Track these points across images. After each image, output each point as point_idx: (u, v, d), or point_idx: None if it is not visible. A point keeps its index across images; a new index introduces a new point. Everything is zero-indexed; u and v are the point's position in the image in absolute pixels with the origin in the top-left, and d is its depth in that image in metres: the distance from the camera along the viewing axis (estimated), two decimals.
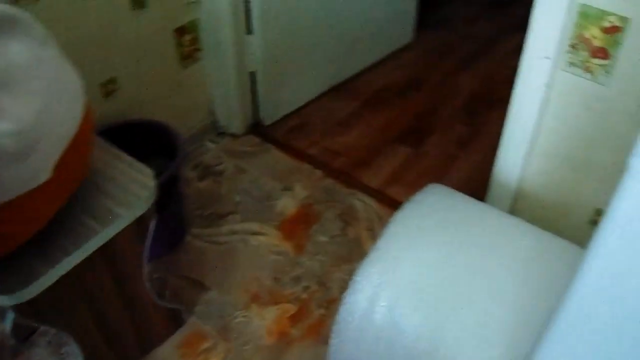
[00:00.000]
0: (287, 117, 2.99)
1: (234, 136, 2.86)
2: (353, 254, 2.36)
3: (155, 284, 2.24)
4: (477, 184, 2.64)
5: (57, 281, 1.58)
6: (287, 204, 2.55)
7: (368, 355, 1.67)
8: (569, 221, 1.92)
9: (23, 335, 2.15)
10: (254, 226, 2.46)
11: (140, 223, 1.74)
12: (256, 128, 2.90)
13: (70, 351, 2.12)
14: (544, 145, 1.83)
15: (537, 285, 1.53)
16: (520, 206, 2.02)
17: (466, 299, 1.52)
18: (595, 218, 1.85)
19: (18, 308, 1.57)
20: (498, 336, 1.46)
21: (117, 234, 1.68)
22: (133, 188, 1.71)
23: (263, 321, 2.15)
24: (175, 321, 2.13)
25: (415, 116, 3.07)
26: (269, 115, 2.91)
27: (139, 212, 1.70)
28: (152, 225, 1.81)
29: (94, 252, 1.64)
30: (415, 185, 2.63)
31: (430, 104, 3.15)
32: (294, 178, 2.67)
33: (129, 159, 1.79)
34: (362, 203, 2.58)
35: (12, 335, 2.13)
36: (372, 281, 1.62)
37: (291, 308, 2.19)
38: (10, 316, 2.08)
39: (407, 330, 1.54)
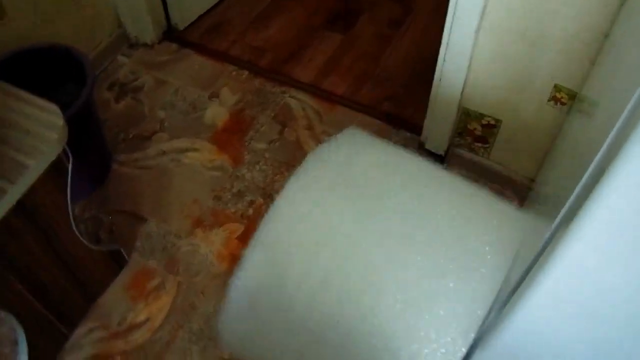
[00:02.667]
0: (202, 17, 2.68)
1: (148, 46, 2.54)
2: (295, 157, 2.15)
3: (88, 226, 2.00)
4: (416, 65, 2.44)
5: None
6: (217, 113, 2.29)
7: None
8: (526, 101, 1.74)
9: None
10: (184, 142, 2.21)
11: (55, 169, 1.49)
12: (171, 34, 2.59)
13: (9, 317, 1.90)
14: (495, 19, 1.61)
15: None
16: (472, 88, 1.82)
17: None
18: (555, 95, 1.67)
19: None
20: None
21: (31, 188, 1.43)
22: (39, 131, 1.44)
23: (211, 246, 1.95)
24: (116, 263, 1.91)
25: None
26: (182, 17, 2.59)
27: (50, 158, 1.44)
28: (70, 166, 1.55)
29: (9, 214, 1.40)
30: (350, 73, 2.43)
31: None
32: (220, 83, 2.40)
33: (29, 96, 1.51)
34: (297, 100, 2.34)
35: None
36: (269, 253, 1.38)
37: (238, 227, 1.99)
38: None
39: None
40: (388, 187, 1.38)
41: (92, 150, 2.04)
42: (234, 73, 2.44)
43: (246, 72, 2.44)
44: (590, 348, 0.96)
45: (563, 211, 0.91)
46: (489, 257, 1.25)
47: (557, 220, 0.93)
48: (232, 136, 2.22)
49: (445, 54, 1.77)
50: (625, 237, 0.77)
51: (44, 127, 1.44)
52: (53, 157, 1.45)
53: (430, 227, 1.30)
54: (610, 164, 0.72)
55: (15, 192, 1.38)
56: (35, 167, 1.40)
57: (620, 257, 0.80)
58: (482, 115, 1.87)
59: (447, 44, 1.73)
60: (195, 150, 2.19)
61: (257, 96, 2.35)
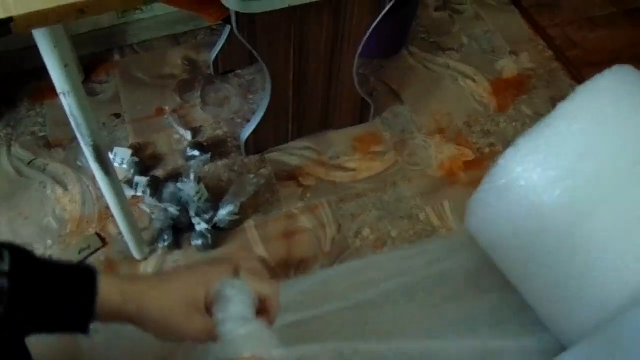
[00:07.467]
0: None
1: None
2: None
3: (357, 78, 2.07)
4: None
5: (282, 13, 1.46)
6: (508, 66, 2.26)
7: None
8: None
9: (221, 69, 2.09)
10: (469, 70, 2.21)
11: None
12: None
13: (256, 100, 2.03)
14: None
15: None
16: None
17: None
18: None
19: (239, 20, 1.47)
20: None
21: None
22: None
23: (439, 153, 1.96)
24: (361, 114, 1.98)
25: None
26: None
27: None
28: (387, 7, 1.61)
29: (324, 3, 1.49)
30: None
31: None
32: (524, 47, 2.35)
33: None
34: None
35: (213, 65, 2.07)
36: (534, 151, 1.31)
37: (470, 155, 1.97)
38: (225, 33, 2.00)
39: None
40: None
41: (397, 26, 2.11)
42: (540, 47, 2.38)
43: (550, 53, 2.37)
44: None
45: None
46: None
47: None
48: (508, 90, 2.18)
49: None
50: None
51: None
52: None
53: None
54: None
55: None
56: None
57: None
58: None
59: None
60: (473, 81, 2.18)
61: (548, 75, 2.28)
